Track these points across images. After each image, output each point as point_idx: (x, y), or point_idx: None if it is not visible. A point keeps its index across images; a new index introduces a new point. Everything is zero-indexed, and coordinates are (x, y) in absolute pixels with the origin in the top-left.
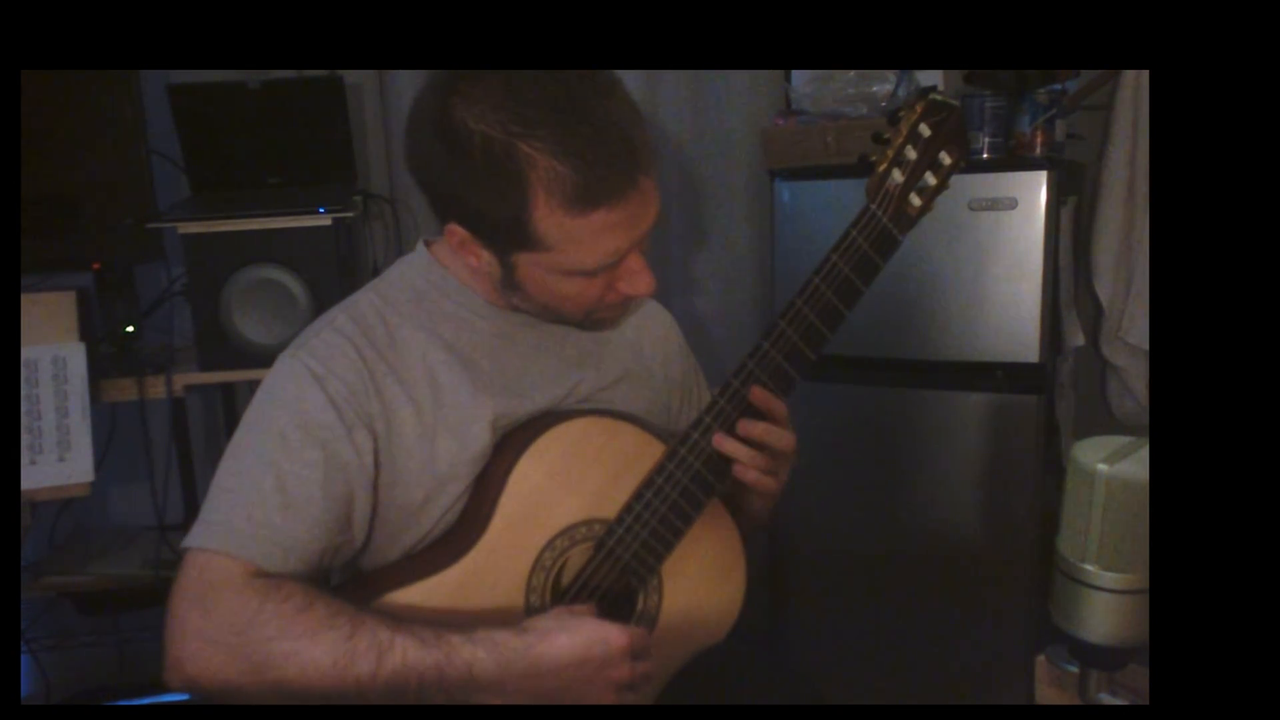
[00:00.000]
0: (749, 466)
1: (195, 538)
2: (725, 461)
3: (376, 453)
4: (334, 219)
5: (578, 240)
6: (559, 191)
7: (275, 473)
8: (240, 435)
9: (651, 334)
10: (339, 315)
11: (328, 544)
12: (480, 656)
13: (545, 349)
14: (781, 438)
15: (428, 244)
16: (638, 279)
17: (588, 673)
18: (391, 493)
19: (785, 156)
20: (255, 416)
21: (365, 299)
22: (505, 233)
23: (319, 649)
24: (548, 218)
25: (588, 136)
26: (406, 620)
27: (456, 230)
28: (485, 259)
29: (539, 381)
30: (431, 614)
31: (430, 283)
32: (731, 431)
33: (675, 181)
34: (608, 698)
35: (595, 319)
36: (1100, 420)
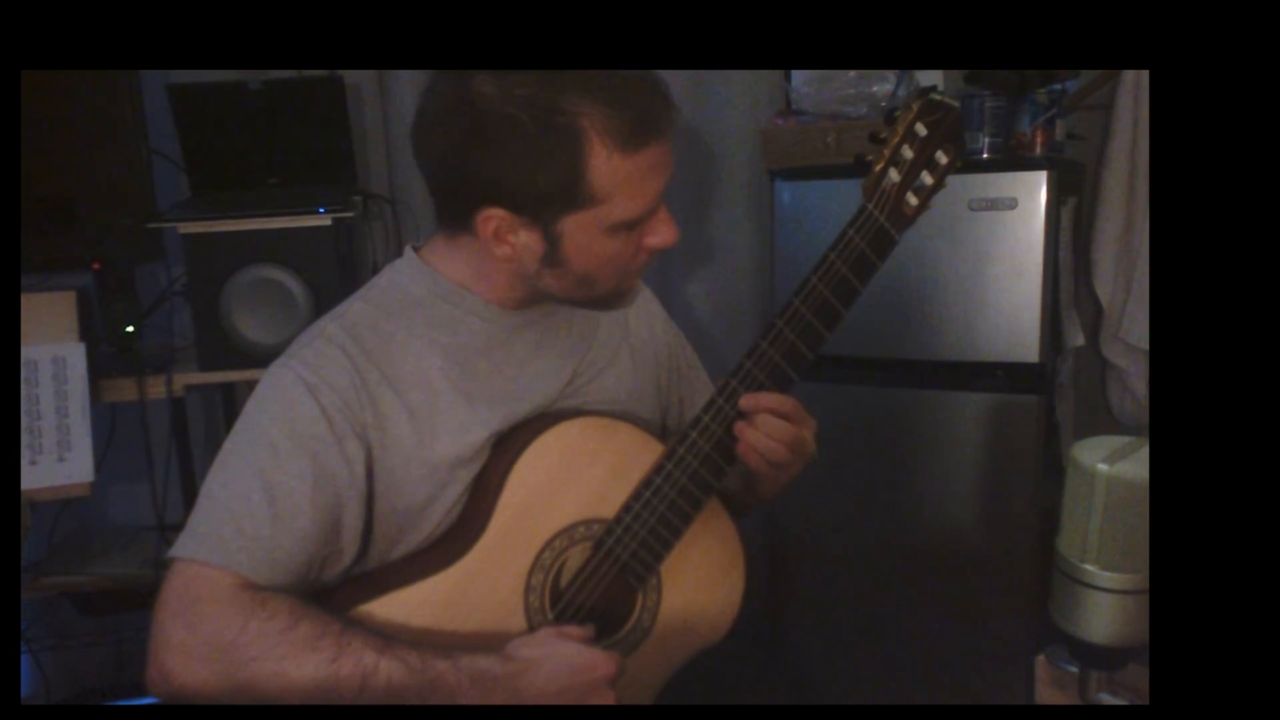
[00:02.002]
0: (766, 453)
1: (182, 548)
2: (724, 461)
3: (370, 462)
4: (334, 219)
5: (628, 184)
6: (613, 133)
7: (264, 483)
8: (230, 444)
9: (637, 309)
10: (329, 324)
11: (315, 555)
12: (464, 686)
13: (543, 345)
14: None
15: (415, 249)
16: (664, 228)
17: (570, 700)
18: (389, 499)
19: (785, 156)
20: (246, 426)
21: (356, 307)
22: (557, 196)
23: (302, 672)
24: (605, 163)
25: (623, 78)
26: (392, 640)
27: (493, 215)
28: (523, 241)
29: (536, 379)
30: (430, 614)
31: (423, 287)
32: (733, 434)
33: (675, 181)
34: None
35: (621, 289)
36: (1100, 420)
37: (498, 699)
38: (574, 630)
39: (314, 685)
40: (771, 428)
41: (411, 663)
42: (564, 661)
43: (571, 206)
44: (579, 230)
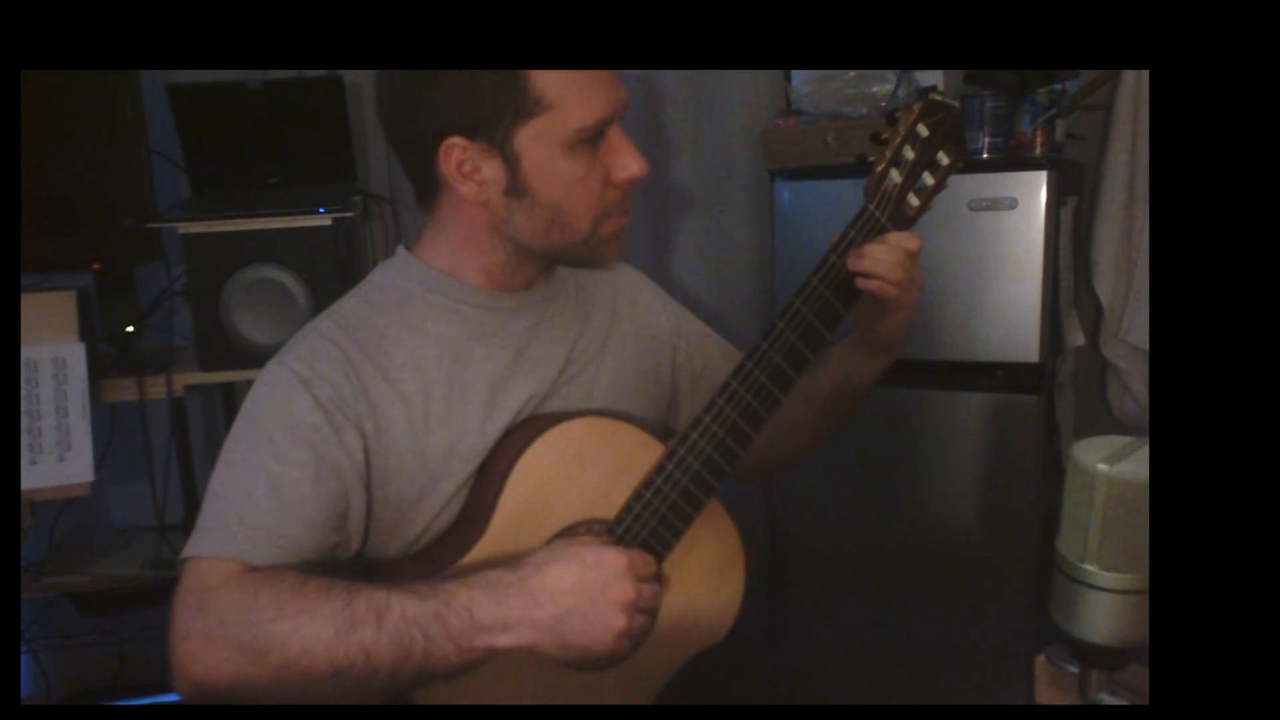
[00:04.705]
0: (886, 272)
1: (192, 547)
2: (724, 461)
3: (367, 451)
4: (334, 219)
5: (574, 84)
6: None
7: (267, 476)
8: (230, 443)
9: (629, 296)
10: (323, 321)
11: (323, 543)
12: (478, 596)
13: (537, 331)
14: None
15: (407, 248)
16: (629, 159)
17: (589, 597)
18: (385, 490)
19: (785, 156)
20: (244, 424)
21: (349, 304)
22: (504, 104)
23: (319, 621)
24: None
25: None
26: (401, 579)
27: (453, 144)
28: (486, 174)
29: (531, 365)
30: None
31: (415, 280)
32: (735, 436)
33: (675, 182)
34: (617, 620)
35: (602, 237)
36: (1100, 420)
37: (513, 604)
38: (587, 538)
39: (333, 632)
40: (884, 263)
41: (422, 590)
42: (574, 557)
43: (522, 114)
44: (536, 145)
